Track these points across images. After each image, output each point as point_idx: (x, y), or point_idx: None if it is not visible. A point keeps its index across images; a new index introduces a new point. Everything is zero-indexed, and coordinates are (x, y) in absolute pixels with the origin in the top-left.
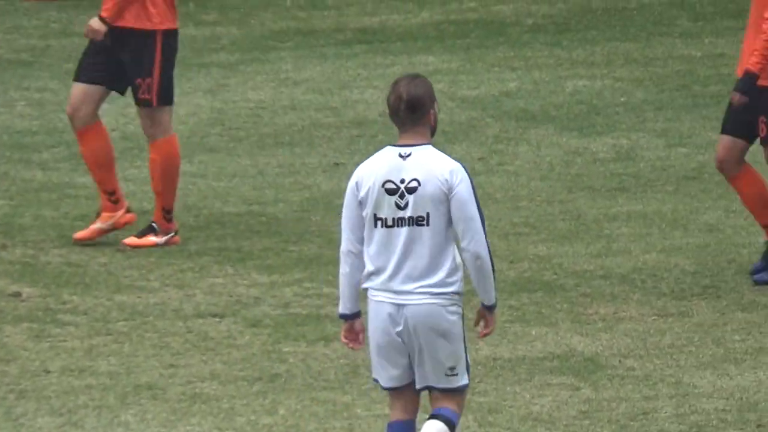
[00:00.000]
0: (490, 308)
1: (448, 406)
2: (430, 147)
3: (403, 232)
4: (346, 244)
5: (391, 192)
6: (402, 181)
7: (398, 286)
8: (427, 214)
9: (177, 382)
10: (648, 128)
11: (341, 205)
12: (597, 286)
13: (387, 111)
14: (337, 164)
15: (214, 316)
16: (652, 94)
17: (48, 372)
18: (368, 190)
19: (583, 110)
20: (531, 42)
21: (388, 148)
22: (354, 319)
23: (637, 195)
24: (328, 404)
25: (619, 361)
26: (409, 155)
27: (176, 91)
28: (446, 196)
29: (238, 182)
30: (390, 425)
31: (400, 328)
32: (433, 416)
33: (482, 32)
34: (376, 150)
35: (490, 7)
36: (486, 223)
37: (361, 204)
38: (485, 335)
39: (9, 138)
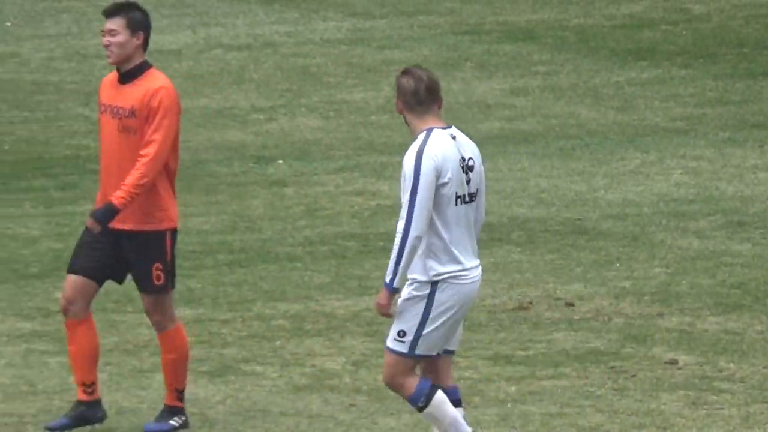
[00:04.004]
0: None
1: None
2: (453, 127)
3: (466, 208)
4: (421, 228)
5: (463, 170)
6: (462, 159)
7: (473, 263)
8: (477, 189)
9: None
10: None
11: None
12: None
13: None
14: None
15: None
16: None
17: None
18: (451, 171)
19: None
20: None
21: (437, 130)
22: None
23: None
24: None
25: None
26: (455, 136)
27: None
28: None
29: None
30: (433, 385)
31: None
32: (459, 400)
33: None
34: None
35: None
36: None
37: (441, 187)
38: None
39: (665, 206)
